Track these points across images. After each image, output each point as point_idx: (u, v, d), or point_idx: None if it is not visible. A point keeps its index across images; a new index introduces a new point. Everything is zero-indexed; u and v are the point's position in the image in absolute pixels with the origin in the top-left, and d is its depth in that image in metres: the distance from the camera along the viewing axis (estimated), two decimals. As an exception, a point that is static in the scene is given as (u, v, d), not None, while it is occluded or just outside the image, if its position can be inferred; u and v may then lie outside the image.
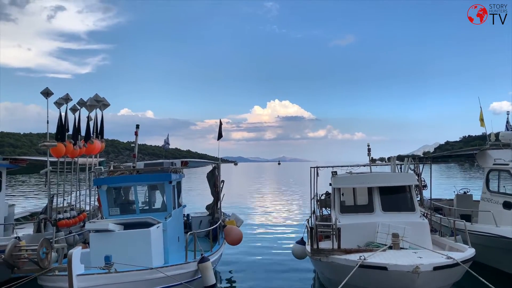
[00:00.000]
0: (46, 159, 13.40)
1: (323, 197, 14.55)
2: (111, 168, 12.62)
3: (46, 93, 13.53)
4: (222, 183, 14.65)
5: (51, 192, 13.50)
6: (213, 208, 14.53)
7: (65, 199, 14.72)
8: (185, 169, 14.27)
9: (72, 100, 14.55)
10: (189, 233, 10.49)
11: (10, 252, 8.57)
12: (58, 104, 14.19)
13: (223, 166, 14.74)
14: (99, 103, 16.08)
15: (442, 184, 41.45)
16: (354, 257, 8.45)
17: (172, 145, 15.84)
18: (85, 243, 11.69)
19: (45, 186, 13.55)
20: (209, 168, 15.33)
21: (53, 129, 13.61)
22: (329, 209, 13.57)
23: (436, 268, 7.50)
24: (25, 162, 14.21)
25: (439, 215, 14.06)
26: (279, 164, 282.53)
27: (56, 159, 13.91)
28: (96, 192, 14.49)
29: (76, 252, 7.19)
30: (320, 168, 13.94)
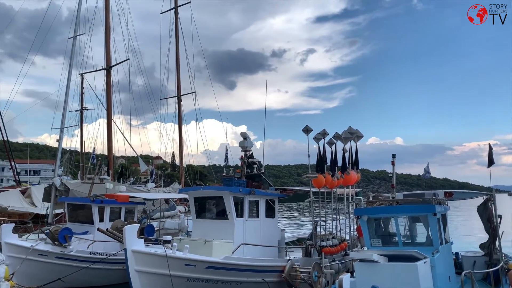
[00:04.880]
0: (309, 189, 14.68)
1: None
2: (370, 198, 12.59)
3: (306, 130, 15.17)
4: (499, 218, 12.35)
5: (314, 220, 14.60)
6: (490, 247, 12.32)
7: (326, 227, 15.59)
8: (449, 201, 12.80)
9: (328, 134, 15.67)
10: (463, 273, 9.11)
11: (289, 272, 9.94)
12: (317, 139, 15.56)
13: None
14: (353, 135, 16.68)
15: None
16: None
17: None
18: (348, 271, 11.89)
19: (309, 215, 14.77)
20: (479, 200, 13.26)
21: (310, 161, 14.88)
22: None
23: None
24: (292, 192, 15.97)
25: None
26: None
27: (317, 190, 15.02)
28: (355, 222, 14.74)
29: (346, 279, 7.34)
30: None
